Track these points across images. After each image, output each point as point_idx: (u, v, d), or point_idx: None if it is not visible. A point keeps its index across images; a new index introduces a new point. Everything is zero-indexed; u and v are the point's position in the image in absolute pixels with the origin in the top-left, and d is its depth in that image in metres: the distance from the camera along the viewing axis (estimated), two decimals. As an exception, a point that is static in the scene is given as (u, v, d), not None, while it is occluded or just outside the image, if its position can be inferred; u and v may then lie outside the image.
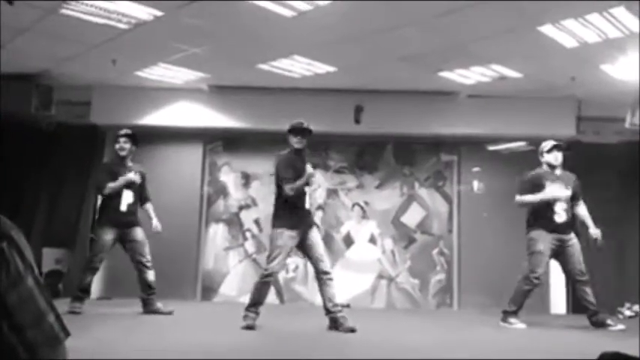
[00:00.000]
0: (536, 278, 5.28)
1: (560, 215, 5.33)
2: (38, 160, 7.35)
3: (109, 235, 5.48)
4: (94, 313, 5.46)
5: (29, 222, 7.15)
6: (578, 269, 5.32)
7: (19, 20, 5.08)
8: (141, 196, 5.71)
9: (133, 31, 5.33)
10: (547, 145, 5.46)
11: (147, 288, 5.53)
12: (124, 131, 5.71)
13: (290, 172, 4.73)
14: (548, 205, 5.33)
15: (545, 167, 5.47)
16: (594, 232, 5.32)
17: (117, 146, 5.66)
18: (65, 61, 6.36)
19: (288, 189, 4.66)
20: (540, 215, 5.35)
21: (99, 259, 5.51)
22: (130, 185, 5.57)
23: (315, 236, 4.88)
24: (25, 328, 1.03)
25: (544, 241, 5.29)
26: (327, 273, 4.80)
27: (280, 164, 4.83)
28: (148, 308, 5.54)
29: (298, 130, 4.85)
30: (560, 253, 5.38)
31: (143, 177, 5.74)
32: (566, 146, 5.57)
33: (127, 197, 5.55)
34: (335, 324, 4.75)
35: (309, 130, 4.87)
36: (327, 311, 4.77)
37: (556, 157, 5.39)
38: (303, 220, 4.83)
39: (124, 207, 5.52)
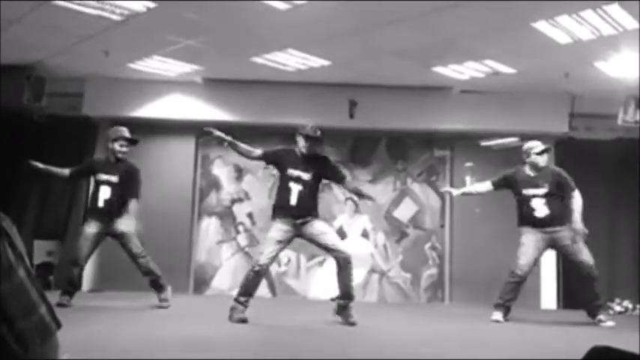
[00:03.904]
0: (519, 271, 5.32)
1: (539, 210, 5.37)
2: (30, 151, 7.29)
3: (92, 229, 5.42)
4: (87, 306, 5.44)
5: (20, 214, 7.12)
6: (581, 260, 5.30)
7: (11, 11, 5.04)
8: (130, 192, 5.53)
9: (127, 23, 5.30)
10: (537, 147, 5.48)
11: (150, 272, 5.49)
12: (124, 134, 5.56)
13: None
14: (524, 202, 5.43)
15: (527, 168, 5.50)
16: (578, 227, 5.29)
17: (117, 148, 5.49)
18: (58, 53, 6.32)
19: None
20: (522, 211, 5.47)
21: (83, 254, 5.41)
22: (108, 182, 5.47)
23: None
24: (15, 319, 1.02)
25: (528, 235, 5.37)
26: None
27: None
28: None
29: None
30: (555, 245, 5.43)
31: (132, 173, 5.57)
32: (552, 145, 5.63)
33: (104, 193, 5.46)
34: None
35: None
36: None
37: (544, 160, 5.47)
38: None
39: (101, 203, 5.46)
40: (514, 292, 5.36)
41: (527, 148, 5.54)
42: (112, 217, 5.46)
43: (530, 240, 5.36)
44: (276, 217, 4.87)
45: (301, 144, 4.88)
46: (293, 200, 4.81)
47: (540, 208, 5.37)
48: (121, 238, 5.47)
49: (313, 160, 4.92)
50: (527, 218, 5.42)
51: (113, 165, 5.53)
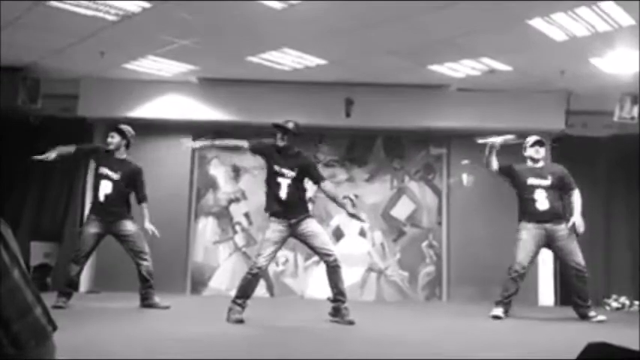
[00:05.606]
0: (519, 268, 5.32)
1: (542, 203, 5.40)
2: (26, 153, 7.28)
3: (92, 229, 5.40)
4: (83, 307, 5.43)
5: (17, 216, 7.10)
6: (575, 262, 5.34)
7: (6, 12, 5.02)
8: (137, 195, 5.62)
9: (122, 23, 5.29)
10: (530, 139, 5.59)
11: (144, 281, 5.48)
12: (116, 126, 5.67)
13: None
14: (527, 192, 5.44)
15: (528, 162, 5.57)
16: (575, 220, 5.36)
17: (107, 141, 5.63)
18: (53, 54, 6.30)
19: None
20: (524, 205, 5.48)
21: (82, 253, 5.41)
22: (107, 177, 5.46)
23: None
24: (10, 321, 1.01)
25: (526, 230, 5.38)
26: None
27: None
28: (145, 302, 5.51)
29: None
30: (550, 244, 5.44)
31: (134, 174, 5.60)
32: (555, 139, 5.64)
33: (105, 187, 5.45)
34: None
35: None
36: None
37: (537, 151, 5.52)
38: None
39: (101, 197, 5.45)
40: (514, 288, 5.34)
41: (524, 143, 5.62)
42: (114, 214, 5.45)
43: (529, 236, 5.37)
44: (271, 214, 4.86)
45: (278, 136, 4.85)
46: (283, 194, 4.81)
47: (542, 201, 5.40)
48: (127, 238, 5.47)
49: (294, 156, 4.90)
50: (528, 211, 5.42)
51: (115, 162, 5.52)
